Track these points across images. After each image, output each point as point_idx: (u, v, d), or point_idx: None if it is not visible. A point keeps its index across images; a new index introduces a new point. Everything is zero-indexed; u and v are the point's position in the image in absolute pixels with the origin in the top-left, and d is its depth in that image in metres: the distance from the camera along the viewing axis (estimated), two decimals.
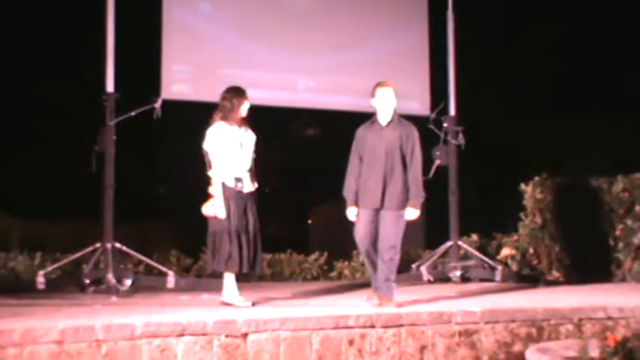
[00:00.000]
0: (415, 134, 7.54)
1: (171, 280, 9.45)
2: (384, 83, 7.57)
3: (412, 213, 7.44)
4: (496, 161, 14.14)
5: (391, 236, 7.39)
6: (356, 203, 7.50)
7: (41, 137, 12.60)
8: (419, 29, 11.19)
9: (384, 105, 7.51)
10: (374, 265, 7.49)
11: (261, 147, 7.77)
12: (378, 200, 7.39)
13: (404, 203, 7.40)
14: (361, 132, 7.61)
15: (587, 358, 5.84)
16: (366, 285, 10.49)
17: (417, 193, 7.44)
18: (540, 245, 11.46)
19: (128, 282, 9.01)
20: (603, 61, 14.35)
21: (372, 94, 7.55)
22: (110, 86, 9.46)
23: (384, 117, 7.54)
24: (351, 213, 7.52)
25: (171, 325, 5.89)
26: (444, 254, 11.09)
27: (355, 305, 7.27)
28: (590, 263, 11.05)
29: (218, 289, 7.69)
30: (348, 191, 7.56)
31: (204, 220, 7.56)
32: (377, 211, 7.42)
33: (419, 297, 8.01)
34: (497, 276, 10.53)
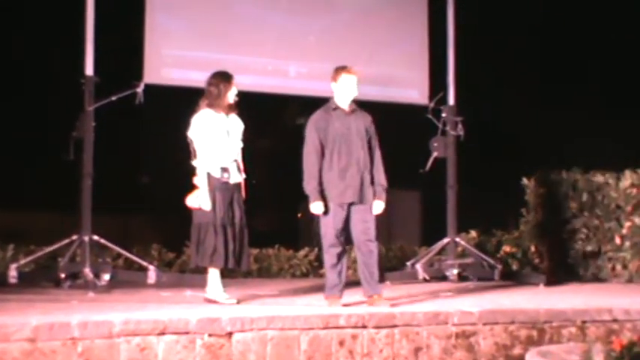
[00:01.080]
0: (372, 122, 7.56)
1: (152, 275, 9.43)
2: (348, 69, 7.53)
3: (380, 206, 7.44)
4: (497, 154, 14.14)
5: (372, 229, 7.37)
6: (323, 197, 7.35)
7: (14, 122, 12.53)
8: (418, 15, 11.17)
9: (348, 92, 7.47)
10: (342, 263, 7.43)
11: (249, 135, 7.75)
12: (357, 193, 7.34)
13: (374, 195, 7.39)
14: (320, 119, 7.48)
15: None
16: (357, 283, 10.51)
17: (384, 186, 7.45)
18: (543, 243, 11.47)
19: (106, 277, 8.99)
20: (612, 48, 14.37)
21: (334, 79, 7.49)
22: (89, 69, 9.42)
23: (345, 104, 7.49)
24: (319, 208, 7.34)
25: (152, 322, 5.87)
26: (441, 251, 11.10)
27: (346, 303, 7.27)
28: (595, 263, 11.08)
29: (202, 285, 7.68)
30: (312, 184, 7.35)
31: (187, 212, 7.55)
32: (350, 205, 7.36)
33: (414, 296, 7.99)
34: (497, 275, 10.55)
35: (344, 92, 7.47)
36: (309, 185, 7.38)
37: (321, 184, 7.36)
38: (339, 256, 7.43)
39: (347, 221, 7.37)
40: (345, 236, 7.42)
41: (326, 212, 7.35)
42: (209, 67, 8.23)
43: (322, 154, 7.38)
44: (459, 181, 10.86)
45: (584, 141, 13.36)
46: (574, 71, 14.54)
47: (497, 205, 12.57)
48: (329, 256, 7.46)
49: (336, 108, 7.48)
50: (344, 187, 7.33)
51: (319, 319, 6.35)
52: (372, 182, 7.43)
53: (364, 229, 7.37)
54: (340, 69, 7.54)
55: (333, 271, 7.46)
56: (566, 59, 14.55)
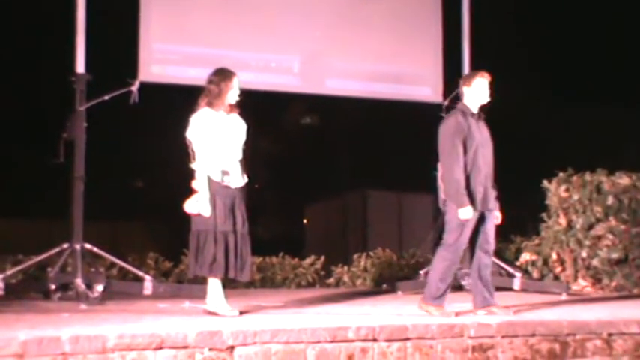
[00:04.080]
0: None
1: (148, 285, 9.43)
2: (482, 73, 7.77)
3: (499, 217, 7.79)
4: (516, 154, 14.14)
5: (493, 240, 7.75)
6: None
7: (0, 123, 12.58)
8: (431, 8, 11.16)
9: (482, 96, 7.69)
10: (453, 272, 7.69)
11: (251, 136, 7.75)
12: (487, 202, 7.61)
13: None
14: (462, 123, 7.60)
15: None
16: (367, 293, 10.53)
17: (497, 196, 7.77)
18: (565, 250, 11.46)
19: (99, 287, 8.98)
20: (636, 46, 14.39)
21: (468, 83, 7.72)
22: (80, 66, 9.43)
23: (476, 109, 7.71)
24: (469, 212, 7.48)
25: (148, 336, 5.88)
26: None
27: (355, 314, 7.27)
28: (622, 272, 11.06)
29: (201, 296, 7.68)
30: (460, 189, 7.47)
31: (186, 218, 7.55)
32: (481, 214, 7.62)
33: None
34: (516, 284, 10.53)
35: (478, 97, 7.70)
36: (457, 191, 7.49)
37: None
38: (454, 264, 7.67)
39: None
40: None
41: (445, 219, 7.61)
42: (208, 64, 8.23)
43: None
44: None
45: (609, 141, 13.37)
46: (599, 66, 14.55)
47: (516, 210, 12.53)
48: (443, 262, 7.64)
49: (473, 114, 7.68)
50: (482, 193, 7.56)
51: (326, 331, 6.35)
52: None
53: (487, 238, 7.66)
54: (474, 73, 7.86)
55: (444, 280, 7.62)
56: (590, 53, 14.56)
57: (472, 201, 7.49)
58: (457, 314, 7.43)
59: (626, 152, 12.41)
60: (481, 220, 7.61)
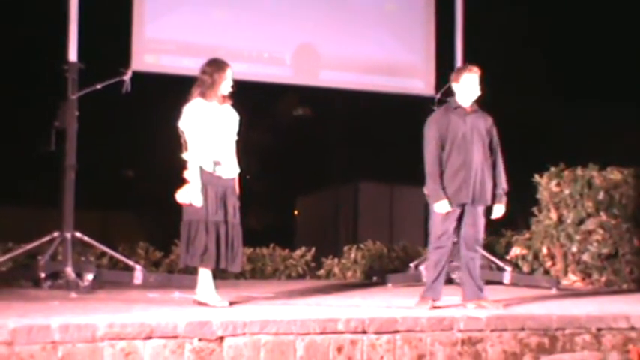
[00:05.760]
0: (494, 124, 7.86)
1: (138, 275, 9.43)
2: (470, 68, 7.78)
3: (501, 210, 7.80)
4: (507, 149, 14.14)
5: (480, 234, 7.74)
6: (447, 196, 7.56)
7: None
8: (425, 0, 11.16)
9: (471, 92, 7.69)
10: (444, 265, 7.67)
11: (243, 127, 7.74)
12: (470, 195, 7.56)
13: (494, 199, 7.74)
14: (442, 118, 7.67)
15: None
16: (357, 285, 10.54)
17: (505, 190, 7.80)
18: (555, 245, 11.48)
19: (89, 276, 8.97)
20: (629, 42, 14.40)
21: (456, 79, 7.71)
22: (73, 55, 9.41)
23: (467, 104, 7.71)
24: (444, 206, 7.52)
25: (138, 325, 5.88)
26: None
27: (345, 306, 7.28)
28: (612, 267, 11.08)
29: (191, 286, 7.68)
30: (434, 185, 7.55)
31: (177, 208, 7.54)
32: (464, 206, 7.60)
33: (417, 299, 7.99)
34: (506, 278, 10.55)
35: (466, 92, 7.69)
36: (431, 186, 7.58)
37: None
38: (442, 258, 7.62)
39: (459, 223, 7.63)
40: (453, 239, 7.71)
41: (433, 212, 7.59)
42: (201, 54, 8.23)
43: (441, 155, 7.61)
44: None
45: (600, 136, 13.39)
46: (589, 62, 14.56)
47: (507, 204, 12.55)
48: (433, 256, 7.68)
49: (457, 107, 7.69)
50: (458, 187, 7.54)
51: (316, 323, 6.36)
52: (493, 186, 7.69)
53: (473, 233, 7.63)
54: (462, 68, 7.89)
55: (433, 272, 7.66)
56: (582, 49, 14.57)
57: (451, 195, 7.50)
58: (433, 307, 7.44)
59: (617, 147, 12.41)
60: (468, 214, 7.61)
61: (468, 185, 7.53)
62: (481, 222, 7.68)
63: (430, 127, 7.64)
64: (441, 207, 7.51)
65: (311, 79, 10.90)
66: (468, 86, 7.67)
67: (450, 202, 7.50)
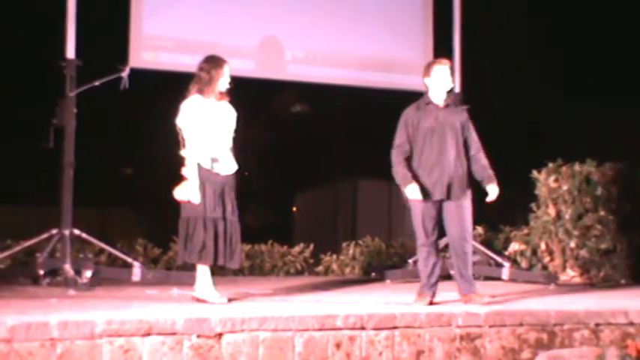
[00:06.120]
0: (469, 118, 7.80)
1: (137, 272, 9.44)
2: (439, 60, 7.78)
3: (495, 190, 7.72)
4: (505, 145, 14.15)
5: (466, 228, 7.67)
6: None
7: None
8: None
9: (443, 85, 7.65)
10: (433, 261, 7.64)
11: (241, 124, 7.74)
12: (446, 190, 7.53)
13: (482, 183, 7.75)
14: (413, 114, 7.66)
15: None
16: (356, 281, 10.55)
17: (492, 173, 7.75)
18: (553, 240, 11.48)
19: (88, 273, 8.98)
20: (627, 36, 14.40)
21: (427, 74, 7.68)
22: (71, 52, 9.40)
23: (439, 98, 7.67)
24: (414, 190, 7.47)
25: (137, 322, 5.88)
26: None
27: (344, 303, 7.28)
28: (611, 263, 11.08)
29: (190, 283, 7.68)
30: (400, 173, 7.56)
31: (175, 205, 7.55)
32: (441, 203, 7.58)
33: (415, 297, 8.00)
34: (505, 274, 10.55)
35: (438, 85, 7.66)
36: (398, 175, 7.58)
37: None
38: (430, 255, 7.60)
39: (441, 220, 7.60)
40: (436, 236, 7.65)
41: (416, 208, 7.56)
42: (199, 51, 8.23)
43: (409, 150, 7.58)
44: None
45: (598, 131, 13.38)
46: (588, 56, 14.55)
47: (506, 200, 12.54)
48: (419, 254, 7.69)
49: (429, 103, 7.66)
50: (433, 183, 7.51)
51: (314, 319, 6.36)
52: (469, 180, 7.64)
53: (459, 229, 7.58)
54: (431, 63, 7.83)
55: (423, 270, 7.65)
56: (580, 45, 14.56)
57: (425, 191, 7.46)
58: (430, 304, 7.42)
59: (615, 144, 12.41)
60: (449, 210, 7.56)
61: (442, 181, 7.48)
62: (467, 217, 7.61)
63: (400, 124, 7.65)
64: (410, 191, 7.45)
65: (309, 76, 10.89)
66: (439, 79, 7.62)
67: (427, 198, 7.47)
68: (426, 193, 7.49)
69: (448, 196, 7.52)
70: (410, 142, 7.56)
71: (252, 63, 10.39)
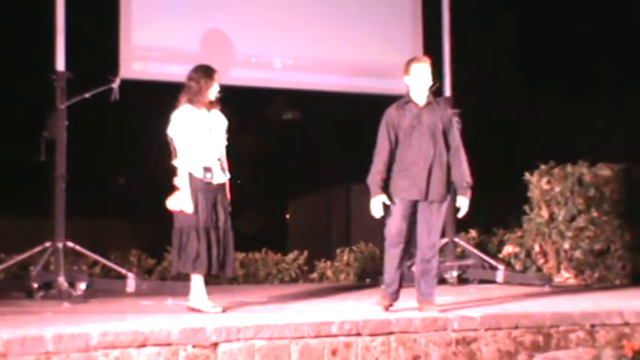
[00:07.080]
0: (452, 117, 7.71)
1: (131, 283, 9.42)
2: (418, 58, 7.67)
3: (465, 202, 7.50)
4: (497, 147, 14.18)
5: (434, 233, 7.50)
6: (387, 193, 7.42)
7: None
8: (411, 1, 11.18)
9: (422, 82, 7.49)
10: (401, 265, 7.50)
11: (233, 132, 7.74)
12: (424, 191, 7.37)
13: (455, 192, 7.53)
14: (394, 114, 7.53)
15: None
16: (350, 287, 10.54)
17: (469, 183, 7.50)
18: (547, 242, 11.50)
19: (82, 286, 8.96)
20: (618, 36, 14.42)
21: (406, 72, 7.53)
22: (61, 64, 9.38)
23: (420, 97, 7.52)
24: (377, 203, 7.38)
25: (132, 334, 5.87)
26: (439, 252, 11.09)
27: (339, 309, 7.27)
28: (604, 263, 11.10)
29: (184, 293, 7.67)
30: (373, 178, 7.45)
31: (168, 215, 7.54)
32: (416, 203, 7.43)
33: (410, 300, 8.00)
34: (499, 277, 10.56)
35: (418, 83, 7.50)
36: (370, 178, 7.47)
37: (386, 179, 7.42)
38: (399, 258, 7.46)
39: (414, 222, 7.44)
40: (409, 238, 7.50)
41: (389, 209, 7.42)
42: (189, 60, 8.22)
43: (388, 156, 7.44)
44: None
45: (590, 133, 13.40)
46: (578, 58, 14.57)
47: (499, 202, 12.59)
48: (388, 256, 7.52)
49: (409, 101, 7.53)
50: (409, 183, 7.37)
51: (310, 327, 6.36)
52: (449, 180, 7.45)
53: (426, 232, 7.42)
54: (410, 60, 7.63)
55: (389, 273, 7.50)
56: (571, 45, 14.58)
57: (403, 191, 7.36)
58: (387, 310, 7.33)
59: (607, 144, 12.42)
60: (422, 212, 7.40)
61: (420, 181, 7.33)
62: (437, 222, 7.43)
63: (381, 124, 7.51)
64: (374, 203, 7.36)
65: (299, 83, 10.89)
66: (418, 77, 7.46)
67: (394, 198, 7.36)
68: (405, 193, 7.37)
69: (426, 197, 7.36)
70: (391, 145, 7.43)
71: (243, 71, 10.39)
